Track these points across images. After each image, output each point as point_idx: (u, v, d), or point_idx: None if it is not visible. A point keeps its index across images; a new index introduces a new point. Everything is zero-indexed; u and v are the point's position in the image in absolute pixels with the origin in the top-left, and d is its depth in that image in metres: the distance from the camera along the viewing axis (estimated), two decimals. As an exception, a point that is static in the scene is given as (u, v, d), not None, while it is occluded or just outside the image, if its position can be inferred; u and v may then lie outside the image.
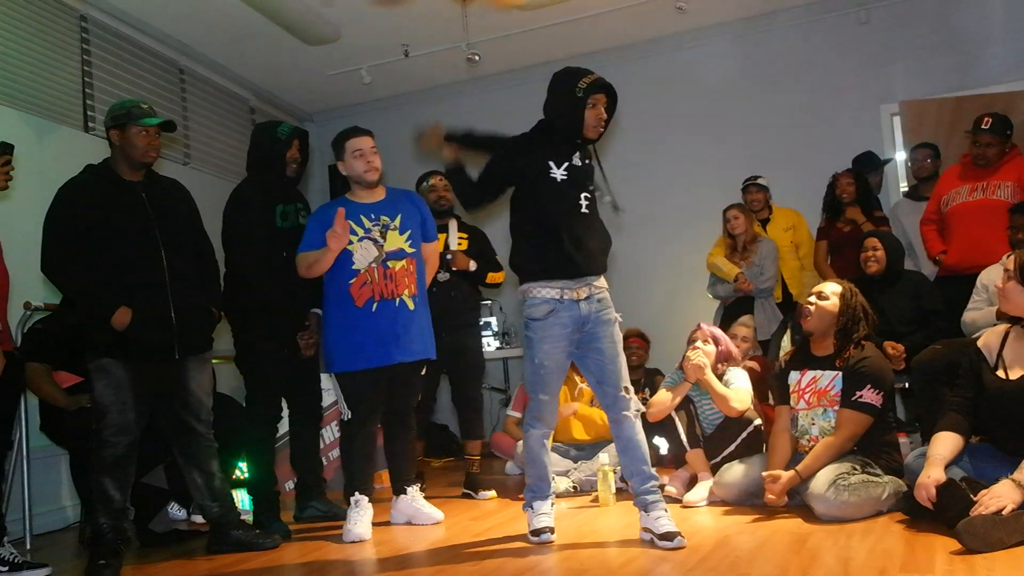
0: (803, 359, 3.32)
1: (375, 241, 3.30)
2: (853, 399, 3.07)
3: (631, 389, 2.90)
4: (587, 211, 2.91)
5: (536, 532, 2.94)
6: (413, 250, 3.36)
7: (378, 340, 3.25)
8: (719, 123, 6.16)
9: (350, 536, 3.21)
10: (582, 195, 2.91)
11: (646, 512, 2.82)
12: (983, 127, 4.16)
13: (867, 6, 5.79)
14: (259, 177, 3.52)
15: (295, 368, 3.51)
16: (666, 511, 2.81)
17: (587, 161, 2.97)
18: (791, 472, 3.10)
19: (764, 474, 3.16)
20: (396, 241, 3.33)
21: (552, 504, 3.06)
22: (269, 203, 3.45)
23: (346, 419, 3.33)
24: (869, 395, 3.05)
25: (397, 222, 3.35)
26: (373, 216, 3.33)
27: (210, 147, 5.86)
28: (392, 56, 6.06)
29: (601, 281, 2.94)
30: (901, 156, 5.72)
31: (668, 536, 2.71)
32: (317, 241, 3.26)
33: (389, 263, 3.29)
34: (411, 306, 3.32)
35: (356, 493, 3.31)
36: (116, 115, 3.02)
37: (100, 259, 2.94)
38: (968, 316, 3.68)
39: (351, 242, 3.26)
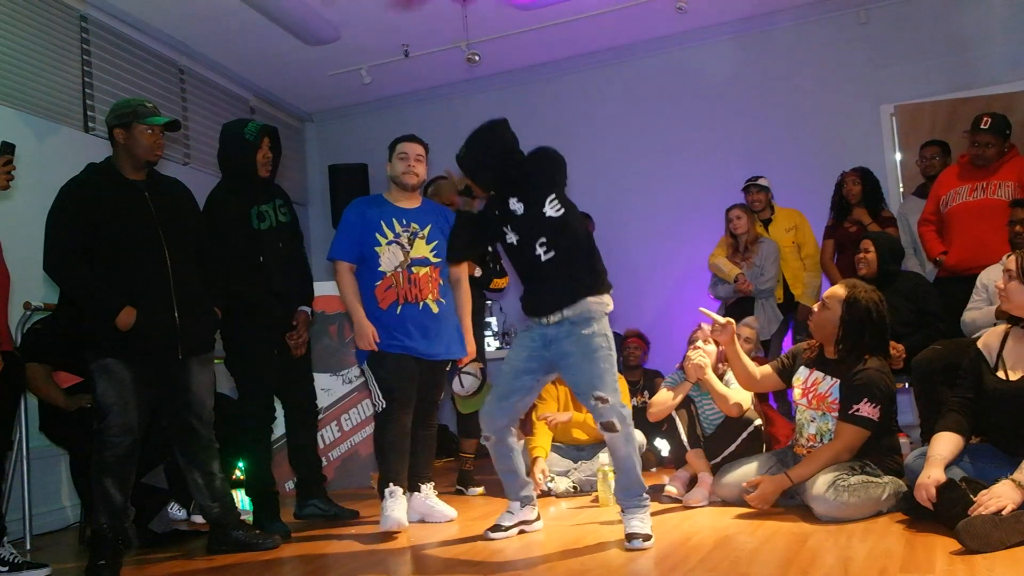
0: (816, 358, 3.29)
1: (402, 246, 3.38)
2: (850, 412, 3.04)
3: (610, 399, 2.78)
4: (549, 254, 2.90)
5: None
6: (438, 260, 3.43)
7: (409, 334, 3.33)
8: (719, 123, 6.16)
9: (388, 523, 3.21)
10: (537, 243, 2.91)
11: (622, 512, 2.85)
12: (982, 127, 4.15)
13: (867, 6, 5.80)
14: (233, 180, 3.51)
15: (286, 368, 3.51)
16: (639, 516, 2.80)
17: (532, 201, 2.93)
18: (780, 476, 3.10)
19: (745, 484, 3.16)
20: (421, 249, 3.41)
21: (522, 504, 3.12)
22: (244, 206, 3.44)
23: (380, 410, 3.33)
24: (866, 409, 3.02)
25: (426, 231, 3.44)
26: (404, 222, 3.41)
27: (210, 147, 5.83)
28: (392, 56, 6.06)
29: (579, 305, 2.86)
30: (899, 157, 5.75)
31: (629, 537, 2.74)
32: (349, 245, 3.37)
33: (414, 269, 3.37)
34: (435, 309, 3.40)
35: (391, 484, 3.30)
36: (121, 114, 3.02)
37: (103, 259, 2.93)
38: (968, 316, 3.68)
39: (379, 244, 3.35)
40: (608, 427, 2.77)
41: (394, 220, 3.40)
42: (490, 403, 3.06)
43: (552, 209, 2.91)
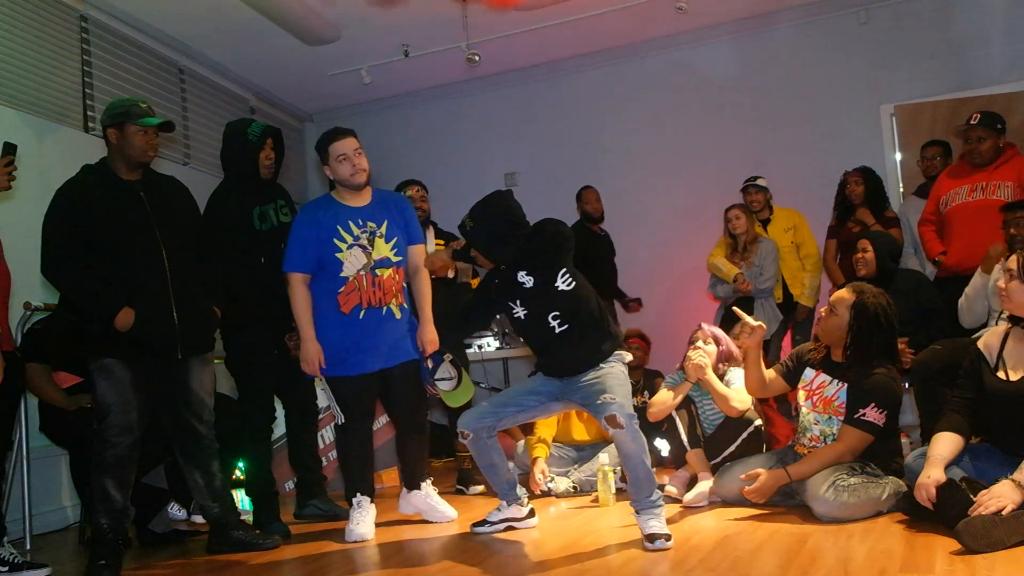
0: (823, 360, 3.27)
1: (364, 248, 3.27)
2: (855, 416, 3.03)
3: (617, 398, 2.77)
4: (563, 327, 2.94)
5: None
6: (399, 259, 3.34)
7: (364, 348, 3.24)
8: (719, 123, 6.16)
9: (352, 536, 3.21)
10: (549, 316, 2.93)
11: (637, 514, 2.82)
12: (972, 122, 4.17)
13: (867, 6, 5.80)
14: (234, 179, 3.50)
15: (286, 368, 3.51)
16: (655, 516, 2.78)
17: (542, 275, 2.95)
18: (779, 471, 3.10)
19: (743, 476, 3.16)
20: (383, 250, 3.30)
21: (509, 503, 3.17)
22: (246, 206, 3.43)
23: (340, 423, 3.32)
24: (872, 414, 3.00)
25: (383, 229, 3.32)
26: (361, 222, 3.29)
27: (210, 147, 5.85)
28: (392, 56, 6.07)
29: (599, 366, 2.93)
30: (899, 157, 5.76)
31: (650, 538, 2.72)
32: (305, 256, 3.24)
33: (378, 271, 3.27)
34: (397, 315, 3.32)
35: (357, 494, 3.31)
36: (114, 114, 3.01)
37: (101, 260, 2.93)
38: (961, 300, 3.72)
39: (340, 250, 3.23)
40: (611, 422, 2.72)
41: (350, 222, 3.26)
42: (483, 406, 3.08)
43: (564, 283, 2.95)
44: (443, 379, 3.46)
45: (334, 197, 3.36)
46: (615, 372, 2.91)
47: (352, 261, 3.24)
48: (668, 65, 6.33)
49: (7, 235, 3.18)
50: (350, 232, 3.26)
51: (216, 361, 3.38)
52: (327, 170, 3.35)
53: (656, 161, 6.30)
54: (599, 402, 2.79)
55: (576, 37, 6.07)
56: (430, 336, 3.38)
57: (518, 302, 3.00)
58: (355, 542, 3.19)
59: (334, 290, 3.24)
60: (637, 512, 2.81)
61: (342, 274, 3.23)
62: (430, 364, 3.39)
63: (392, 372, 3.32)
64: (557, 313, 2.94)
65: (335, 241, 3.24)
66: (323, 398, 3.74)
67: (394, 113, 6.93)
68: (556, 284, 2.94)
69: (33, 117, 4.40)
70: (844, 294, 3.20)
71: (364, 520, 3.26)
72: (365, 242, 3.27)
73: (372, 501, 3.34)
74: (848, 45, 5.88)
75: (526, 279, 2.96)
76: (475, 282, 4.23)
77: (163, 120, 3.05)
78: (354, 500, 3.31)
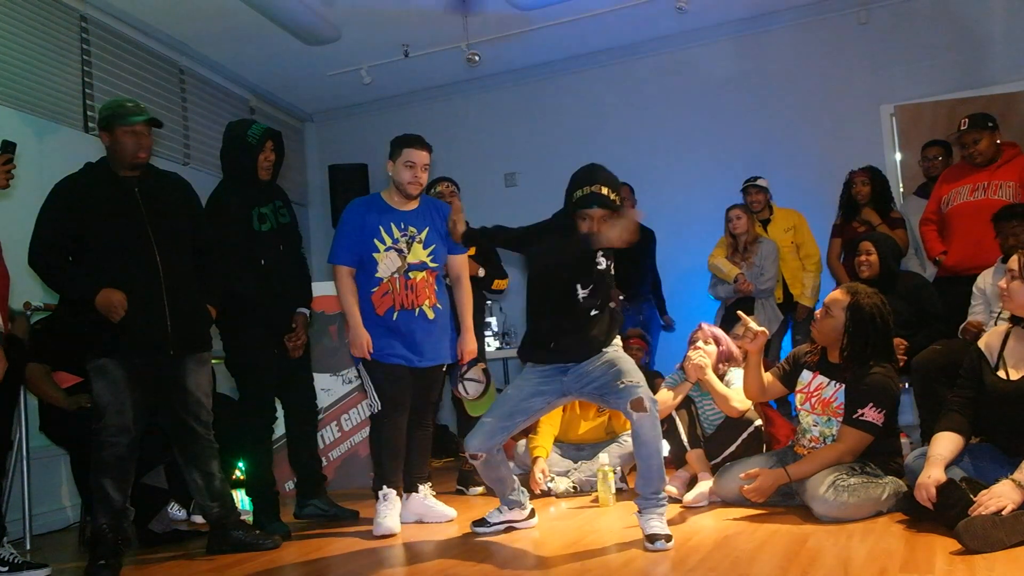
0: (819, 361, 3.27)
1: (400, 252, 3.35)
2: (854, 417, 3.02)
3: (640, 383, 2.76)
4: (596, 311, 2.91)
5: None
6: (435, 264, 3.41)
7: (403, 343, 3.32)
8: (719, 123, 6.16)
9: (380, 530, 3.22)
10: (595, 301, 2.91)
11: (639, 513, 2.82)
12: (962, 128, 4.18)
13: (867, 6, 5.80)
14: (234, 180, 3.51)
15: (286, 369, 3.51)
16: (657, 515, 2.77)
17: (610, 257, 2.93)
18: (779, 471, 3.10)
19: (743, 475, 3.16)
20: (419, 254, 3.38)
21: (510, 507, 3.16)
22: (245, 207, 3.43)
23: (375, 411, 3.34)
24: (871, 414, 3.00)
25: (423, 235, 3.40)
26: (403, 225, 3.37)
27: (210, 147, 5.84)
28: (392, 56, 6.07)
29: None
30: (900, 157, 5.76)
31: (650, 538, 2.71)
32: (351, 251, 3.33)
33: (411, 274, 3.35)
34: (430, 315, 3.38)
35: (384, 487, 3.32)
36: (103, 117, 3.01)
37: (94, 256, 2.93)
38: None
39: (378, 250, 3.32)
40: (637, 405, 2.69)
41: (392, 225, 3.36)
42: (489, 423, 2.97)
43: (605, 262, 2.95)
44: (472, 380, 3.60)
45: (383, 198, 3.44)
46: (623, 355, 2.92)
47: (387, 264, 3.33)
48: (668, 65, 6.33)
49: (6, 235, 3.18)
50: (390, 235, 3.36)
51: (216, 361, 3.37)
52: (390, 165, 3.41)
53: (656, 161, 6.29)
54: (621, 386, 2.75)
55: (576, 37, 6.07)
56: (470, 347, 3.50)
57: (582, 282, 2.90)
58: (382, 536, 3.20)
59: (368, 290, 3.33)
60: (640, 511, 2.80)
61: (377, 274, 3.33)
62: (465, 367, 3.56)
63: (425, 372, 3.40)
64: (601, 301, 2.93)
65: (375, 241, 3.33)
66: (325, 398, 3.76)
67: (394, 113, 6.93)
68: (597, 268, 2.93)
69: (33, 117, 4.40)
70: (839, 295, 3.20)
71: (391, 513, 3.28)
72: (403, 246, 3.36)
73: (399, 494, 3.36)
74: (848, 45, 5.88)
75: (601, 259, 2.92)
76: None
77: (148, 117, 3.00)
78: (381, 493, 3.32)
